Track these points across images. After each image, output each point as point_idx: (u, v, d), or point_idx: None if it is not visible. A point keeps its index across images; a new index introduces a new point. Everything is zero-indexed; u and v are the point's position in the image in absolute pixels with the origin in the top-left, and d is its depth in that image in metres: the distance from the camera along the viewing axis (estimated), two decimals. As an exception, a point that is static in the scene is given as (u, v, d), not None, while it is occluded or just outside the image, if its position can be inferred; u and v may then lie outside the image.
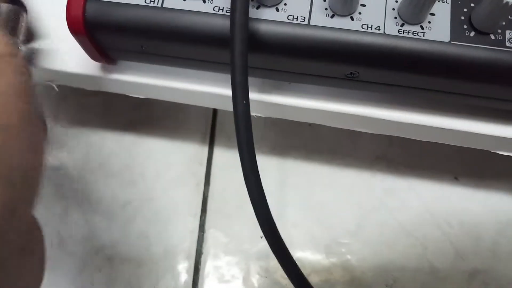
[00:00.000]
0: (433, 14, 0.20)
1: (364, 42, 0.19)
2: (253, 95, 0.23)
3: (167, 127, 0.32)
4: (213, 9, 0.20)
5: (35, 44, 0.24)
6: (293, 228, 0.30)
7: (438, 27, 0.19)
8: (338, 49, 0.20)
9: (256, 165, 0.20)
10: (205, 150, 0.32)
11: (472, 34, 0.19)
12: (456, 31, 0.19)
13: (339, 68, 0.20)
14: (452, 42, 0.19)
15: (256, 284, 0.29)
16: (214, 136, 0.32)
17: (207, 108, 0.33)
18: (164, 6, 0.20)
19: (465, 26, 0.19)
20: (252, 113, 0.25)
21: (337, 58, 0.20)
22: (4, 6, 0.21)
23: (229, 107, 0.25)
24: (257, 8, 0.20)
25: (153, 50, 0.22)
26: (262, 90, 0.24)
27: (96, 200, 0.31)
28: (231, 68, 0.18)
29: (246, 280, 0.29)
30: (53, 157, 0.32)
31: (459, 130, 0.23)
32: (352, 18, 0.20)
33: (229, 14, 0.19)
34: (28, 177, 0.15)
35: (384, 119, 0.23)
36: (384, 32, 0.19)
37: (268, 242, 0.21)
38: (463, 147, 0.24)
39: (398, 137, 0.25)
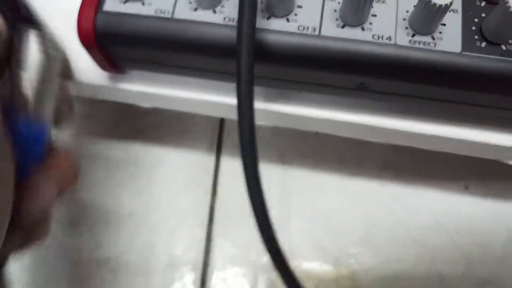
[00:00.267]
0: (444, 25, 0.20)
1: (375, 52, 0.19)
2: (259, 104, 0.23)
3: (174, 136, 0.32)
4: (223, 20, 0.20)
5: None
6: (299, 238, 0.29)
7: (449, 38, 0.19)
8: (349, 59, 0.19)
9: (259, 176, 0.19)
10: (212, 159, 0.32)
11: (483, 44, 0.19)
12: (467, 42, 0.19)
13: (349, 79, 0.20)
14: (463, 52, 0.19)
15: (263, 295, 0.28)
16: (221, 145, 0.32)
17: (214, 117, 0.33)
18: (174, 17, 0.20)
19: (476, 37, 0.19)
20: (258, 122, 0.25)
21: (348, 68, 0.20)
22: None
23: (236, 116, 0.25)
24: (268, 18, 0.20)
25: (162, 60, 0.22)
26: (268, 99, 0.23)
27: (101, 210, 0.31)
28: (237, 78, 0.18)
29: (253, 290, 0.29)
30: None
31: (469, 140, 0.23)
32: (363, 29, 0.20)
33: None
34: None
35: (393, 129, 0.23)
36: (395, 42, 0.19)
37: (271, 259, 0.20)
38: (472, 156, 0.24)
39: (406, 146, 0.25)
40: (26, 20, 0.18)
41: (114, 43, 0.21)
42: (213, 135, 0.33)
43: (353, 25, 0.20)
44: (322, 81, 0.21)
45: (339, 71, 0.20)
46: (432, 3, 0.18)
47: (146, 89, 0.24)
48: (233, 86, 0.23)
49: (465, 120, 0.23)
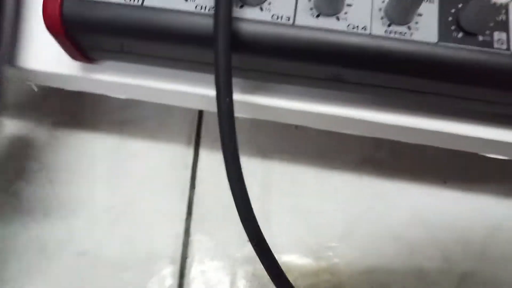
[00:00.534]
0: (420, 15, 0.19)
1: (350, 42, 0.19)
2: (237, 96, 0.23)
3: (151, 129, 0.32)
4: (195, 8, 0.19)
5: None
6: (280, 232, 0.29)
7: (425, 28, 0.19)
8: (324, 50, 0.19)
9: (240, 165, 0.19)
10: (190, 152, 0.31)
11: (460, 35, 0.19)
12: (444, 32, 0.19)
13: (324, 69, 0.20)
14: (439, 43, 0.19)
15: (242, 289, 0.28)
16: (199, 139, 0.32)
17: (192, 110, 0.32)
18: (144, 4, 0.19)
19: (453, 27, 0.19)
20: (237, 114, 0.24)
21: (323, 59, 0.19)
22: None
23: (213, 108, 0.24)
24: (241, 7, 0.19)
25: (133, 49, 0.21)
26: (245, 91, 0.23)
27: (78, 204, 0.30)
28: (215, 65, 0.18)
29: (232, 284, 0.28)
30: (35, 159, 0.31)
31: (447, 133, 0.22)
32: (338, 18, 0.19)
33: (210, 13, 0.19)
34: None
35: (370, 121, 0.23)
36: (370, 32, 0.19)
37: (254, 247, 0.20)
38: (452, 150, 0.24)
39: (385, 140, 0.24)
40: None
41: (82, 30, 0.20)
42: (191, 128, 0.32)
43: (328, 15, 0.19)
44: (298, 72, 0.21)
45: (313, 62, 0.20)
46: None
47: (119, 79, 0.23)
48: (207, 76, 0.22)
49: (443, 112, 0.23)
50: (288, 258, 0.29)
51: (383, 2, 0.19)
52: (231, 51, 0.18)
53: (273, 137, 0.32)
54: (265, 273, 0.21)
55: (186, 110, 0.29)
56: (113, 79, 0.23)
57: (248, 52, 0.19)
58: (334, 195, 0.30)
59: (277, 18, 0.19)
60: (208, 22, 0.19)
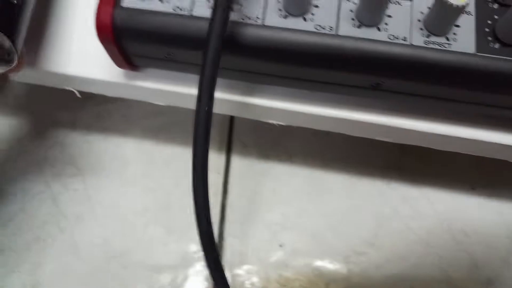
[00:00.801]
0: (458, 26, 0.20)
1: (392, 52, 0.19)
2: (277, 104, 0.23)
3: (184, 135, 0.32)
4: (241, 20, 0.20)
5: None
6: (311, 237, 0.30)
7: (463, 39, 0.20)
8: (365, 59, 0.20)
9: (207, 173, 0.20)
10: (222, 158, 0.32)
11: (497, 46, 0.20)
12: (481, 43, 0.20)
13: (366, 78, 0.21)
14: (477, 53, 0.19)
15: (274, 293, 0.29)
16: (231, 144, 0.32)
17: (223, 116, 0.33)
18: (193, 14, 0.20)
19: (489, 38, 0.20)
20: (275, 122, 0.25)
21: (364, 68, 0.20)
22: None
23: (246, 114, 0.25)
24: (285, 17, 0.20)
25: (178, 58, 0.22)
26: (288, 98, 0.24)
27: (112, 207, 0.31)
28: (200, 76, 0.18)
29: (264, 288, 0.29)
30: (70, 163, 0.32)
31: (481, 141, 0.23)
32: (378, 29, 0.20)
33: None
34: None
35: (405, 129, 0.23)
36: (410, 43, 0.20)
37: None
38: (480, 156, 0.25)
39: (412, 146, 0.25)
40: None
41: (131, 39, 0.21)
42: (222, 134, 0.33)
43: (369, 25, 0.20)
44: (339, 81, 0.21)
45: (355, 70, 0.20)
46: (449, 3, 0.18)
47: (161, 86, 0.24)
48: (243, 83, 0.23)
49: (474, 120, 0.23)
50: (320, 263, 0.29)
51: (422, 13, 0.20)
52: (276, 61, 0.19)
53: (303, 141, 0.32)
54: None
55: (217, 116, 0.30)
56: (156, 86, 0.24)
57: (295, 62, 0.20)
58: (362, 201, 0.31)
59: (320, 28, 0.20)
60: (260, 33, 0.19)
